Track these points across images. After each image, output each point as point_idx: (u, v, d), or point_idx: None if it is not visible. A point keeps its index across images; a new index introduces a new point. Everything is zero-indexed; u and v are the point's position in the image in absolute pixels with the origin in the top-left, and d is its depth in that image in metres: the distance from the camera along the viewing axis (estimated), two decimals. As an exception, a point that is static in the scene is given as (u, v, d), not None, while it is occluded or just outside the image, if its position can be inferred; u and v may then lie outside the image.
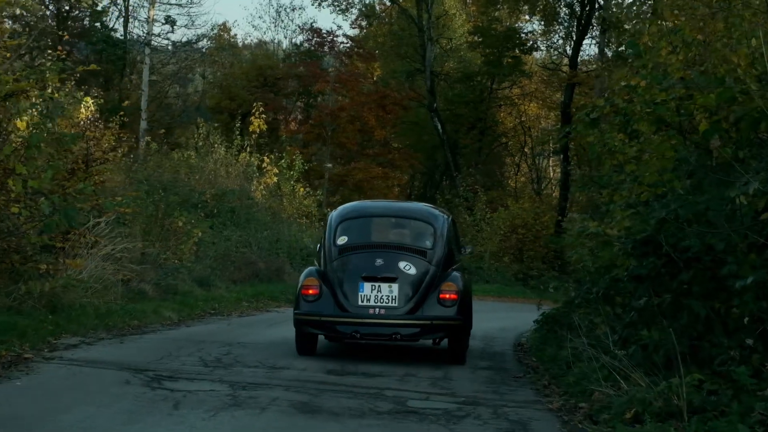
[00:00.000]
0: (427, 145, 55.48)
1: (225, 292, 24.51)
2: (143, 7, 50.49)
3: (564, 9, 52.01)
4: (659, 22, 12.33)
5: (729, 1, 12.06)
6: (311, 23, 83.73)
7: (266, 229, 32.18)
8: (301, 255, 32.02)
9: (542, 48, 56.20)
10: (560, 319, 16.20)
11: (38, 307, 15.68)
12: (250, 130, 40.06)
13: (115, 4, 49.54)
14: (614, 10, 47.16)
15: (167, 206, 25.53)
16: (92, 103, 24.79)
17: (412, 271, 14.17)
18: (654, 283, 10.42)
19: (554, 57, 56.57)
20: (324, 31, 56.43)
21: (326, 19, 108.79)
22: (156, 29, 49.35)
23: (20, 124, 16.65)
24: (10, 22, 42.60)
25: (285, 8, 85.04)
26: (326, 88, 51.54)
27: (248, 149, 37.69)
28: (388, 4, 58.05)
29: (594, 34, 51.17)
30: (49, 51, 23.79)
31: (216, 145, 36.68)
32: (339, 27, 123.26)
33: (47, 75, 18.63)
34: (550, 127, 58.24)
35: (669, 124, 11.12)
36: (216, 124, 43.00)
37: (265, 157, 38.54)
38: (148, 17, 49.08)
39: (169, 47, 52.34)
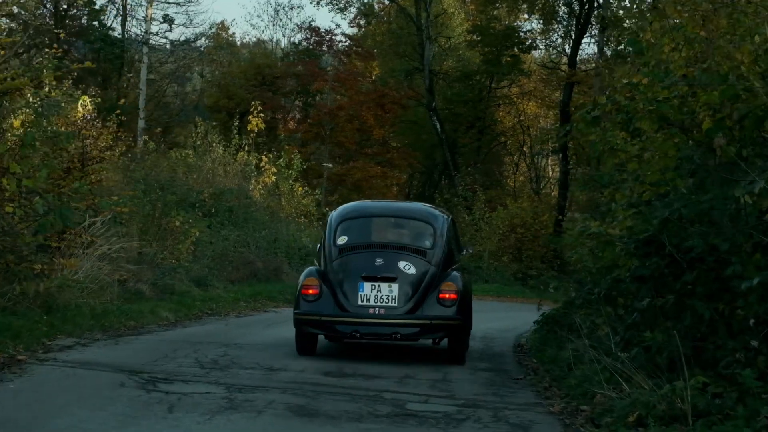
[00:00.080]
0: (426, 144, 55.35)
1: (222, 292, 24.35)
2: (141, 5, 50.56)
3: (563, 8, 51.92)
4: (661, 19, 12.14)
5: (732, -3, 11.93)
6: (310, 22, 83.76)
7: (264, 229, 32.04)
8: (299, 254, 31.91)
9: (541, 47, 56.15)
10: (560, 319, 16.06)
11: (33, 308, 15.52)
12: (248, 129, 39.95)
13: (113, 3, 49.41)
14: (614, 8, 47.11)
15: (164, 205, 25.36)
16: (89, 102, 24.62)
17: (412, 270, 14.17)
18: (657, 284, 10.27)
19: (553, 56, 56.47)
20: (322, 30, 56.36)
21: (325, 18, 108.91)
22: (154, 28, 49.22)
23: (15, 122, 16.51)
24: (5, 20, 42.50)
25: (283, 7, 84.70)
26: (325, 87, 51.43)
27: (246, 148, 37.54)
28: (387, 2, 57.95)
29: (593, 32, 51.09)
30: (47, 50, 23.62)
31: (214, 144, 36.52)
32: (337, 26, 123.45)
33: (44, 73, 18.48)
34: (549, 126, 58.15)
35: (671, 122, 10.97)
36: (214, 123, 42.82)
37: (264, 156, 38.39)
38: (146, 16, 48.95)
39: (167, 46, 52.23)
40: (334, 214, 15.56)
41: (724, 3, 11.64)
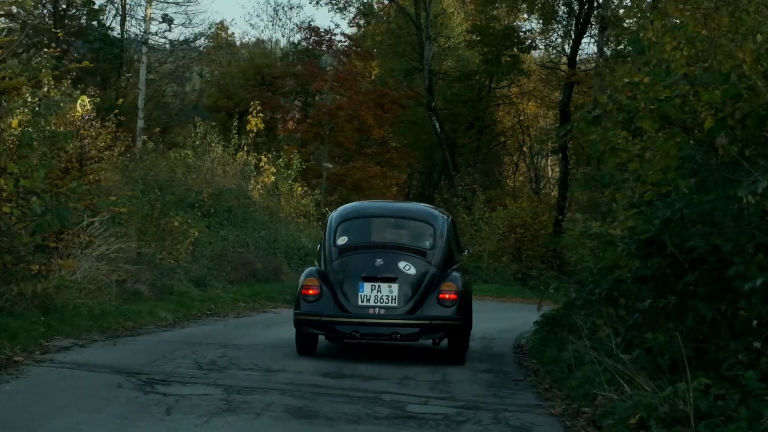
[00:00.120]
0: (425, 144, 55.27)
1: (221, 292, 24.26)
2: (140, 5, 50.42)
3: (562, 7, 51.84)
4: (663, 18, 12.06)
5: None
6: (309, 22, 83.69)
7: (263, 229, 31.95)
8: (298, 255, 31.83)
9: (541, 47, 56.07)
10: (560, 320, 15.98)
11: (30, 309, 15.43)
12: (248, 129, 39.85)
13: (112, 3, 49.34)
14: (613, 9, 47.08)
15: (163, 206, 25.29)
16: (88, 102, 24.54)
17: (412, 271, 14.19)
18: (658, 285, 10.18)
19: (552, 56, 56.40)
20: (322, 30, 56.34)
21: (324, 18, 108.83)
22: (153, 28, 49.14)
23: (13, 122, 16.43)
24: (3, 19, 42.42)
25: (283, 7, 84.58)
26: (324, 87, 51.36)
27: (245, 148, 37.45)
28: (386, 2, 57.86)
29: (593, 32, 51.01)
30: (46, 49, 23.55)
31: (213, 144, 36.43)
32: (337, 26, 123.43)
33: (42, 72, 18.39)
34: (548, 126, 58.07)
35: (673, 122, 10.89)
36: (213, 123, 42.75)
37: (263, 156, 38.31)
38: (145, 16, 48.82)
39: (167, 46, 52.16)
40: (334, 215, 15.58)
41: (726, 1, 11.56)
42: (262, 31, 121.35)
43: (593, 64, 49.93)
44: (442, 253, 14.57)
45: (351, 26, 62.71)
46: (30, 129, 16.24)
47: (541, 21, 53.62)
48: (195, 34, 58.02)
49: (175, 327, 18.18)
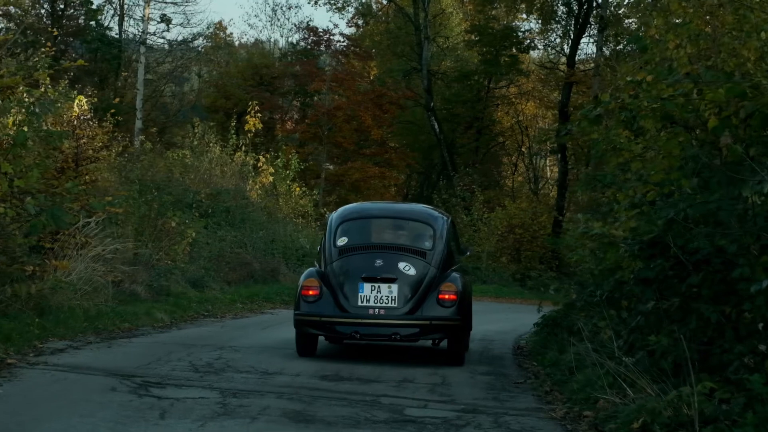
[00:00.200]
0: (424, 144, 55.15)
1: (219, 293, 24.12)
2: (138, 5, 50.08)
3: (561, 7, 51.69)
4: (666, 15, 11.90)
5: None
6: (307, 22, 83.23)
7: (262, 230, 31.78)
8: (296, 255, 31.67)
9: (539, 47, 55.94)
10: (560, 321, 15.84)
11: (25, 310, 15.26)
12: (246, 129, 39.69)
13: (110, 3, 49.19)
14: (612, 9, 46.96)
15: (160, 206, 25.13)
16: (86, 101, 24.37)
17: (412, 271, 14.23)
18: (661, 286, 10.01)
19: (551, 56, 56.27)
20: (320, 30, 56.06)
21: (322, 18, 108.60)
22: (151, 28, 49.19)
23: (8, 121, 16.26)
24: (1, 19, 42.29)
25: (281, 7, 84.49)
26: (322, 87, 51.15)
27: (243, 148, 37.30)
28: (385, 2, 57.69)
29: (592, 32, 50.84)
30: (43, 49, 23.41)
31: (211, 145, 36.26)
32: (335, 25, 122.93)
33: (38, 71, 18.24)
34: (547, 126, 57.95)
35: (675, 121, 10.73)
36: (211, 123, 42.59)
37: (261, 157, 38.16)
38: (144, 15, 48.62)
39: (165, 46, 52.00)
40: (334, 216, 15.61)
41: (730, -2, 11.40)
42: (261, 31, 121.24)
43: (592, 65, 49.79)
44: (441, 253, 14.61)
45: (349, 26, 62.69)
46: (25, 129, 16.05)
47: (540, 21, 53.49)
48: (193, 34, 58.00)
49: (172, 328, 18.03)
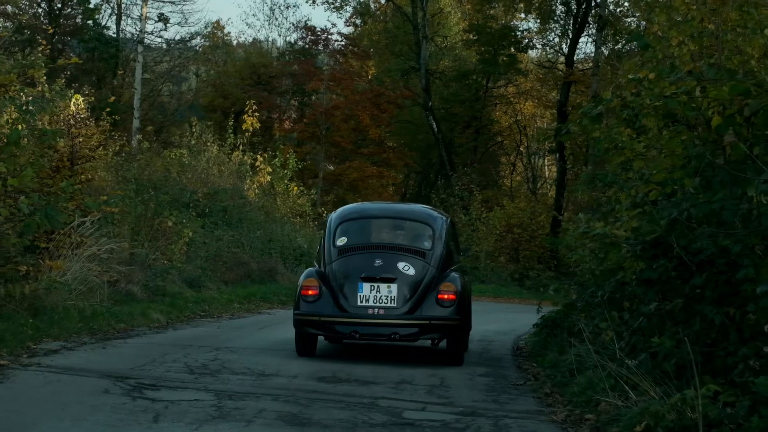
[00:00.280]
0: (422, 144, 55.03)
1: (216, 293, 23.97)
2: (136, 4, 49.88)
3: (560, 7, 51.59)
4: (669, 12, 11.72)
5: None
6: (305, 21, 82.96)
7: (259, 229, 31.62)
8: (294, 255, 31.53)
9: (538, 46, 55.85)
10: (560, 322, 15.69)
11: (19, 311, 15.09)
12: (243, 128, 39.54)
13: (108, 2, 49.08)
14: (611, 8, 46.85)
15: (157, 205, 24.97)
16: (82, 101, 24.19)
17: (411, 271, 14.28)
18: (664, 288, 9.86)
19: (550, 55, 56.15)
20: (318, 29, 55.82)
21: (320, 17, 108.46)
22: (149, 27, 49.01)
23: (1, 120, 16.09)
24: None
25: (279, 6, 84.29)
26: (320, 86, 50.96)
27: (241, 148, 37.14)
28: (383, 2, 57.53)
29: (590, 31, 50.71)
30: (40, 47, 23.27)
31: (208, 144, 36.09)
32: (333, 25, 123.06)
33: (32, 69, 18.07)
34: (546, 126, 57.85)
35: (678, 119, 10.57)
36: (209, 123, 42.42)
37: (259, 156, 38.00)
38: (141, 15, 48.48)
39: (163, 45, 51.88)
40: (333, 216, 15.65)
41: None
42: (259, 31, 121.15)
43: (591, 64, 49.68)
44: (441, 253, 14.65)
45: (347, 25, 62.59)
46: (18, 127, 15.88)
47: (538, 20, 53.39)
48: (191, 33, 57.86)
49: (168, 329, 17.88)
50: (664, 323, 9.80)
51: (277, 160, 38.80)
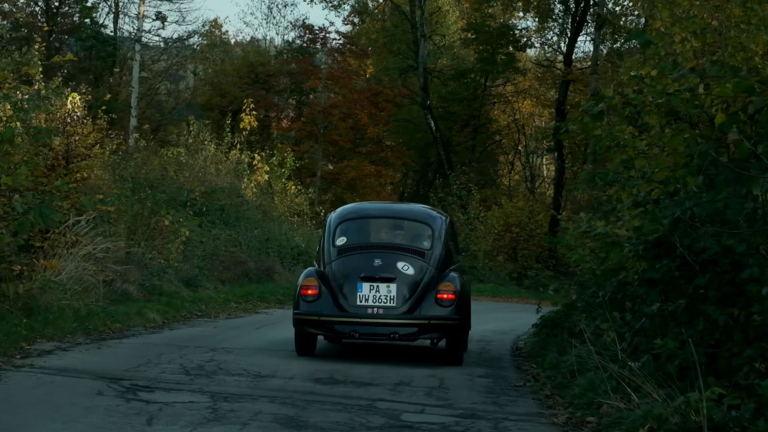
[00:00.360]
0: (420, 142, 54.88)
1: (213, 292, 23.81)
2: (133, 3, 49.67)
3: (558, 5, 51.48)
4: (672, 7, 11.56)
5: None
6: (303, 20, 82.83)
7: (256, 228, 31.47)
8: (291, 254, 31.38)
9: (536, 45, 55.71)
10: (560, 322, 15.54)
11: (12, 311, 14.91)
12: (241, 127, 39.39)
13: (105, 1, 48.85)
14: (610, 5, 46.74)
15: (154, 204, 24.81)
16: (79, 99, 24.03)
17: (410, 271, 14.30)
18: (667, 288, 9.70)
19: (548, 54, 56.04)
20: (316, 28, 55.59)
21: (318, 16, 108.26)
22: (146, 25, 48.62)
23: (-6, 117, 15.92)
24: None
25: (277, 4, 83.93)
26: (318, 85, 50.79)
27: (239, 146, 36.98)
28: (381, 0, 57.40)
29: (589, 30, 50.59)
30: (36, 45, 23.10)
31: (206, 143, 35.94)
32: (331, 23, 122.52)
33: (27, 66, 17.91)
34: (544, 124, 57.76)
35: (680, 117, 10.42)
36: (207, 121, 42.26)
37: (256, 155, 37.84)
38: (138, 13, 48.26)
39: (160, 44, 51.66)
40: (333, 216, 15.69)
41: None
42: (256, 29, 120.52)
43: (589, 63, 49.58)
44: (440, 253, 14.66)
45: (345, 24, 62.32)
46: (14, 125, 15.70)
47: (536, 19, 53.27)
48: (188, 31, 57.68)
49: (164, 329, 17.73)
50: (667, 324, 9.64)
51: (274, 158, 38.65)
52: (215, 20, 69.82)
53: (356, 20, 60.99)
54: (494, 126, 58.06)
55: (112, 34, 48.55)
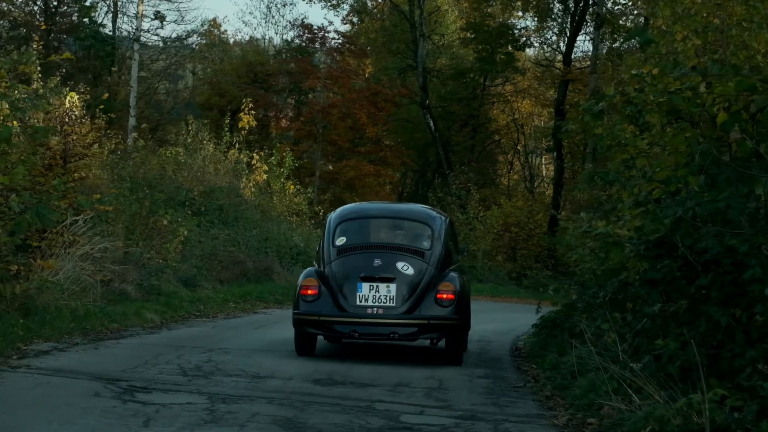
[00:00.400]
0: (419, 142, 54.83)
1: (211, 292, 23.73)
2: (132, 2, 49.73)
3: (558, 5, 51.45)
4: (673, 5, 11.48)
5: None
6: (302, 19, 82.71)
7: (255, 228, 31.40)
8: (290, 254, 31.33)
9: (535, 44, 55.67)
10: (560, 323, 15.46)
11: (9, 311, 14.81)
12: (240, 126, 39.31)
13: (104, 0, 48.74)
14: (610, 4, 46.71)
15: (152, 204, 24.73)
16: (77, 98, 23.92)
17: (410, 271, 14.31)
18: (668, 288, 9.62)
19: (547, 53, 56.00)
20: (315, 27, 55.52)
21: (317, 15, 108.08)
22: (145, 25, 48.47)
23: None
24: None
25: (276, 4, 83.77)
26: (317, 84, 50.72)
27: (237, 146, 36.90)
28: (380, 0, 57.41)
29: (588, 30, 50.54)
30: (34, 44, 23.02)
31: (205, 142, 35.85)
32: (330, 23, 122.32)
33: (23, 65, 17.83)
34: (543, 124, 57.73)
35: (682, 116, 10.33)
36: (206, 121, 42.17)
37: (255, 154, 37.75)
38: (137, 13, 48.16)
39: (159, 43, 51.54)
40: (333, 216, 15.69)
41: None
42: (255, 29, 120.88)
43: (589, 62, 49.53)
44: (440, 253, 14.66)
45: (344, 23, 62.27)
46: (12, 123, 15.62)
47: (535, 18, 53.22)
48: (187, 31, 57.66)
49: (162, 329, 17.64)
50: (669, 325, 9.55)
51: (273, 158, 38.57)
52: (214, 20, 69.80)
53: (355, 20, 60.95)
54: (493, 126, 58.01)
55: (110, 33, 48.46)
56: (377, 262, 14.25)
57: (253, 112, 40.31)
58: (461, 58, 56.42)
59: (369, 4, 60.30)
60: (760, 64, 10.03)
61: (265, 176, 37.44)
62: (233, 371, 12.46)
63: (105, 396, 10.14)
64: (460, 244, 18.52)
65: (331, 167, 49.69)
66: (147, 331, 17.11)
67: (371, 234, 15.27)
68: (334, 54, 54.62)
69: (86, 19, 47.06)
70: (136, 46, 47.01)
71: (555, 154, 50.00)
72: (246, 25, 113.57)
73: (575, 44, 50.46)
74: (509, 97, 57.47)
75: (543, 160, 62.31)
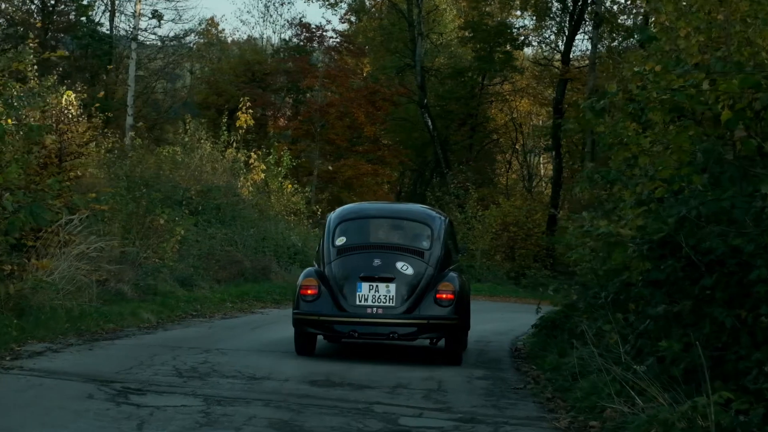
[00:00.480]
0: (418, 141, 54.76)
1: (208, 292, 23.58)
2: (129, 1, 49.46)
3: (556, 4, 51.36)
4: (677, 1, 11.33)
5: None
6: (300, 18, 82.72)
7: (253, 227, 31.27)
8: (288, 253, 31.20)
9: (534, 43, 55.59)
10: (560, 323, 15.30)
11: (3, 311, 14.65)
12: (237, 125, 39.17)
13: (102, -2, 48.59)
14: (609, 3, 46.64)
15: (149, 203, 24.57)
16: (74, 97, 23.78)
17: (410, 271, 14.33)
18: (672, 289, 9.47)
19: (546, 52, 55.93)
20: (313, 26, 55.41)
21: (315, 14, 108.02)
22: (143, 24, 48.44)
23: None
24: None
25: (273, 3, 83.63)
26: (315, 83, 50.62)
27: (235, 145, 36.76)
28: (378, -2, 57.32)
29: (586, 29, 50.48)
30: (30, 43, 22.84)
31: (202, 141, 35.71)
32: (328, 22, 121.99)
33: (18, 63, 17.68)
34: (542, 123, 57.67)
35: (685, 114, 10.18)
36: (203, 120, 42.06)
37: (253, 154, 37.61)
38: (135, 11, 48.05)
39: (156, 42, 51.41)
40: (332, 216, 15.71)
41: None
42: (253, 28, 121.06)
43: (587, 61, 49.45)
44: (439, 253, 14.68)
45: (342, 22, 62.22)
46: (7, 122, 15.47)
47: (534, 17, 53.14)
48: (185, 30, 57.36)
49: (158, 329, 17.49)
50: (672, 326, 9.40)
51: (271, 157, 38.43)
52: (212, 18, 69.96)
53: (353, 18, 60.89)
54: (491, 125, 57.97)
55: (108, 32, 48.31)
56: (377, 262, 14.26)
57: (250, 111, 40.17)
58: (459, 57, 56.35)
59: (367, 3, 60.29)
60: (765, 61, 9.89)
61: (262, 175, 37.30)
62: (229, 372, 12.30)
63: (99, 398, 9.98)
64: (458, 243, 18.42)
65: (329, 167, 49.58)
66: (143, 331, 16.95)
67: (371, 234, 15.26)
68: (332, 53, 54.52)
69: (83, 18, 46.92)
70: (133, 45, 46.92)
71: (553, 153, 49.92)
72: (244, 24, 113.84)
73: (574, 43, 50.49)
74: (507, 97, 57.42)
75: (541, 159, 62.25)
